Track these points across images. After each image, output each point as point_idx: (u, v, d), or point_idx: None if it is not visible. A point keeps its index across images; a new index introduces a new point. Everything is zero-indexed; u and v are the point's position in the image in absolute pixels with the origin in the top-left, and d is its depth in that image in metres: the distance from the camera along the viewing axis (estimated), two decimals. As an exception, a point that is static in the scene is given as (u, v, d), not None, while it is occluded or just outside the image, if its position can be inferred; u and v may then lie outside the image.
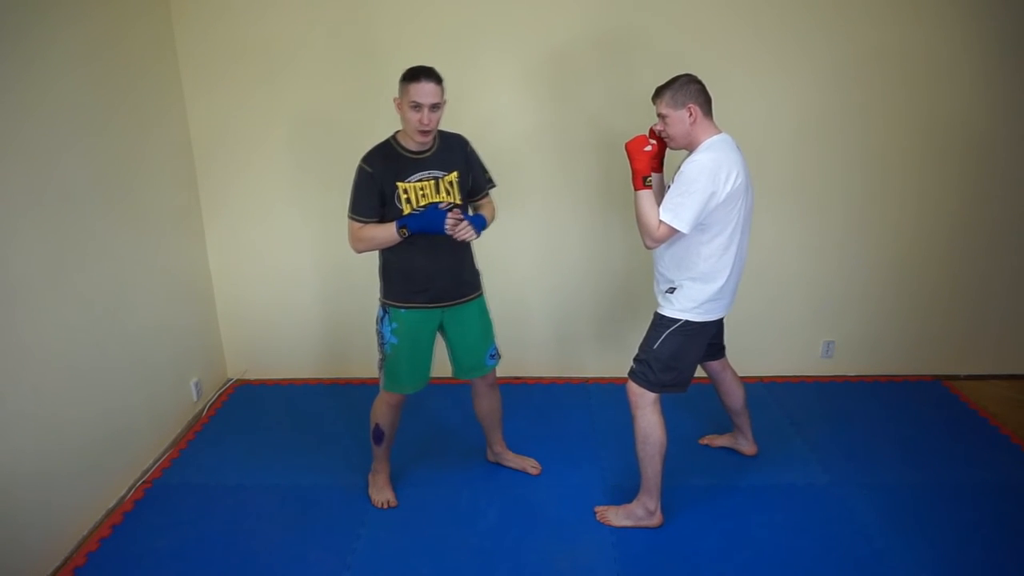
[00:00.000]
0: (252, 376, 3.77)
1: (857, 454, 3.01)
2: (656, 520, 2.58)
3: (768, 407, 3.38)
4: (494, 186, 2.65)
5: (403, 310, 2.52)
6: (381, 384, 2.64)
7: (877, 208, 3.40)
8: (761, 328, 3.58)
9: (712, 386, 2.93)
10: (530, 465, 2.93)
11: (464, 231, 2.36)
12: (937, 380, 3.63)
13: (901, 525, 2.58)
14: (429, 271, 2.49)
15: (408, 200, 2.40)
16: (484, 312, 2.67)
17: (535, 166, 3.37)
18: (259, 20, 3.18)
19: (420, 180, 2.42)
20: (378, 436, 2.72)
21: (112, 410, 2.77)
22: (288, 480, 2.92)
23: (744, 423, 2.96)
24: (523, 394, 3.55)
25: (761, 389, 3.54)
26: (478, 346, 2.66)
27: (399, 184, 2.39)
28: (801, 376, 3.69)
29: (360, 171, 2.41)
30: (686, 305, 2.42)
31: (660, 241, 2.34)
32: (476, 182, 2.58)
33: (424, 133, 2.36)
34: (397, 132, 2.47)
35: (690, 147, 2.36)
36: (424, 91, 2.29)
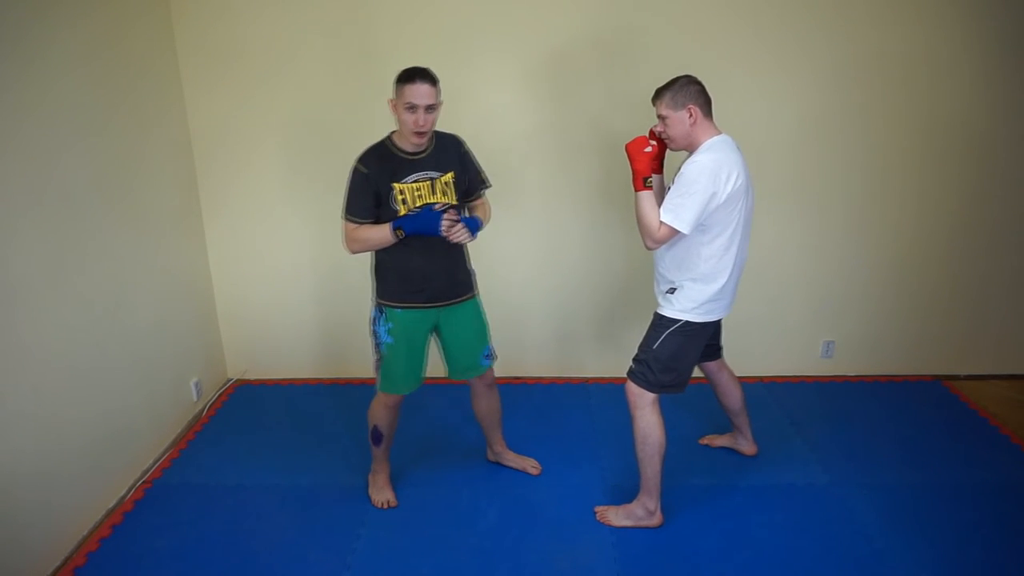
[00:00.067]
0: (252, 376, 3.77)
1: (857, 454, 3.01)
2: (656, 520, 2.58)
3: (768, 407, 3.39)
4: (489, 187, 2.65)
5: (399, 310, 2.52)
6: (377, 385, 2.64)
7: (877, 208, 3.41)
8: (761, 328, 3.58)
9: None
10: (530, 465, 2.93)
11: (459, 233, 2.36)
12: (937, 380, 3.63)
13: (901, 525, 2.58)
14: (425, 271, 2.49)
15: (404, 201, 2.40)
16: (479, 312, 2.67)
17: (535, 166, 3.37)
18: (259, 20, 3.18)
19: (416, 181, 2.41)
20: (376, 437, 2.72)
21: (112, 410, 2.77)
22: (288, 480, 2.92)
23: (743, 423, 2.96)
24: (523, 394, 3.55)
25: (761, 389, 3.55)
26: (474, 346, 2.66)
27: (395, 185, 2.39)
28: (801, 376, 3.69)
29: (355, 172, 2.40)
30: (686, 306, 2.42)
31: (661, 242, 2.34)
32: (471, 183, 2.58)
33: (419, 135, 2.35)
34: (392, 132, 2.46)
35: (690, 148, 2.36)
36: (419, 92, 2.28)
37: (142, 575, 2.43)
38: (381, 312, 2.55)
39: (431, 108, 2.32)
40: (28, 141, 2.34)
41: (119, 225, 2.81)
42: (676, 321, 2.43)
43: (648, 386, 2.46)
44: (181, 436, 3.25)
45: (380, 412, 2.67)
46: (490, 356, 2.72)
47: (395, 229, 2.36)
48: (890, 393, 3.53)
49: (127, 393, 2.88)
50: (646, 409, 2.47)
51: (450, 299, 2.57)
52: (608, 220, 3.42)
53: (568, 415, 3.37)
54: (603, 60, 3.21)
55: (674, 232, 2.29)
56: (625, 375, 2.54)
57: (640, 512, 2.58)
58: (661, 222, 2.30)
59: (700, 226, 2.30)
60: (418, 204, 2.41)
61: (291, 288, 3.60)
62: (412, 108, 2.30)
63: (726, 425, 3.06)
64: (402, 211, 2.40)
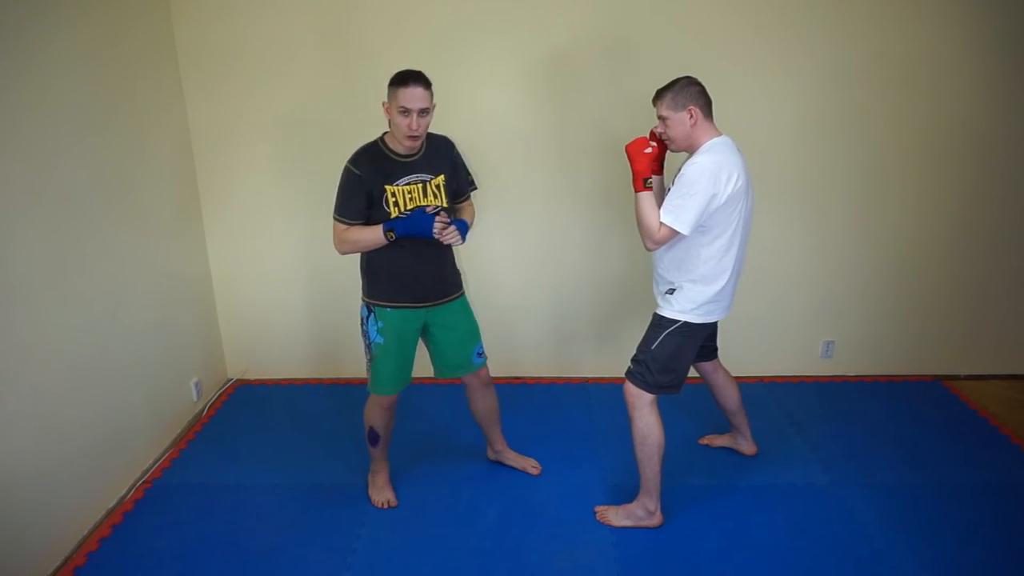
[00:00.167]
0: (252, 376, 3.77)
1: (857, 454, 3.01)
2: (656, 520, 2.58)
3: (768, 407, 3.38)
4: (475, 189, 2.67)
5: (389, 309, 2.52)
6: (369, 387, 2.64)
7: (877, 208, 3.40)
8: (761, 328, 3.58)
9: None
10: (530, 465, 2.93)
11: (451, 235, 2.37)
12: (937, 380, 3.63)
13: (901, 525, 2.58)
14: (415, 271, 2.49)
15: (396, 203, 2.40)
16: (468, 311, 2.68)
17: (535, 167, 3.37)
18: (259, 20, 3.17)
19: (408, 183, 2.41)
20: (373, 439, 2.72)
21: (112, 410, 2.77)
22: (288, 480, 2.92)
23: (741, 423, 2.96)
24: (522, 394, 3.55)
25: (761, 389, 3.55)
26: (465, 344, 2.66)
27: (387, 187, 2.38)
28: (801, 376, 3.69)
29: (347, 173, 2.39)
30: (685, 306, 2.42)
31: (661, 243, 2.34)
32: (459, 185, 2.58)
33: (412, 139, 2.34)
34: (385, 134, 2.45)
35: (690, 149, 2.36)
36: (413, 96, 2.26)
37: (142, 575, 2.43)
38: (371, 311, 2.54)
39: (424, 112, 2.30)
40: (28, 141, 2.34)
41: (119, 225, 2.81)
42: (675, 322, 2.43)
43: (646, 387, 2.46)
44: (181, 436, 3.25)
45: (375, 413, 2.67)
46: (482, 355, 2.72)
47: (387, 231, 2.36)
48: (890, 393, 3.53)
49: (127, 393, 2.88)
50: (644, 410, 2.47)
51: (439, 299, 2.57)
52: (608, 221, 3.42)
53: (568, 415, 3.37)
54: (603, 60, 3.21)
55: (674, 233, 2.29)
56: (624, 375, 2.54)
57: (640, 512, 2.58)
58: (661, 223, 2.30)
59: (700, 227, 2.30)
60: (409, 207, 2.41)
61: (291, 288, 3.60)
62: (405, 112, 2.28)
63: (725, 425, 3.06)
64: (393, 213, 2.40)
